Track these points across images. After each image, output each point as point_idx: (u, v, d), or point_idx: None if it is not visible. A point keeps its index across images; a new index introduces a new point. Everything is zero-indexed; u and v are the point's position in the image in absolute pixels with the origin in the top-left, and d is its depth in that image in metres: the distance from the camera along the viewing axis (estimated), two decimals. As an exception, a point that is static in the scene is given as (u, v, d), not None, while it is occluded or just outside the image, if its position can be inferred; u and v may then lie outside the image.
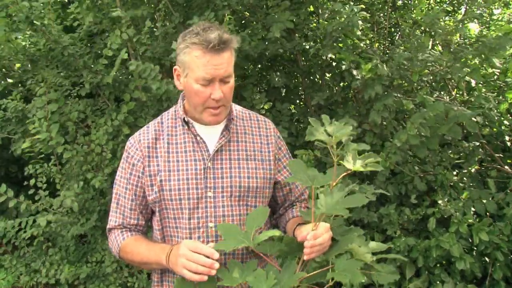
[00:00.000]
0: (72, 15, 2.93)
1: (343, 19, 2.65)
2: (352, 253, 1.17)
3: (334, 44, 2.81)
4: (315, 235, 1.18)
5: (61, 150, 2.85)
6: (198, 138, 1.40)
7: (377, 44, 3.54)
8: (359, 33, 2.84)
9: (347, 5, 2.75)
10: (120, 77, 3.10)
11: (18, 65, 3.19)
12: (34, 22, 2.70)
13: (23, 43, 2.98)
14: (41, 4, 2.75)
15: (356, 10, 2.64)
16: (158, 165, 1.38)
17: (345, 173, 1.21)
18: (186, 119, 1.41)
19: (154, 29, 3.06)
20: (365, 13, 2.83)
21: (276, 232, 1.23)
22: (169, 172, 1.37)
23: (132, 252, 1.40)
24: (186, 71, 1.34)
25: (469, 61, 2.72)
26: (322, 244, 1.19)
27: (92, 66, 2.99)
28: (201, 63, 1.28)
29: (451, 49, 2.61)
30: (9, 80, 3.50)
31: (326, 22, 3.11)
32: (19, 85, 3.50)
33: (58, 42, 2.83)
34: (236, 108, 1.50)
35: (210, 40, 1.26)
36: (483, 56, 2.46)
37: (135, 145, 1.42)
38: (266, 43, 2.94)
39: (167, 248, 1.31)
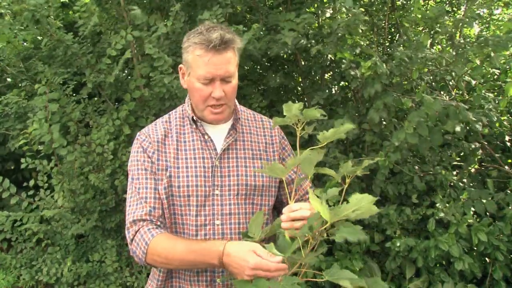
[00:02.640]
0: (76, 13, 2.93)
1: (347, 18, 2.65)
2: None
3: (338, 42, 2.81)
4: (290, 208, 1.19)
5: (65, 152, 2.85)
6: (206, 137, 1.42)
7: (375, 46, 3.54)
8: (360, 30, 2.85)
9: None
10: (122, 77, 3.10)
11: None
12: (39, 20, 2.70)
13: (24, 43, 2.99)
14: (45, 2, 2.75)
15: (358, 9, 2.64)
16: (166, 161, 1.39)
17: (316, 147, 1.19)
18: (194, 118, 1.43)
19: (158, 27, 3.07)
20: (364, 16, 2.83)
21: (261, 213, 1.26)
22: (177, 169, 1.38)
23: (167, 249, 1.28)
24: (189, 69, 1.37)
25: (470, 57, 2.71)
26: (300, 219, 1.18)
27: (95, 65, 2.99)
28: (202, 62, 1.31)
29: (454, 44, 2.59)
30: (8, 80, 3.51)
31: (329, 21, 3.12)
32: (15, 86, 3.51)
33: (61, 41, 2.83)
34: (241, 109, 1.53)
35: (211, 40, 1.29)
36: (485, 51, 2.45)
37: (147, 139, 1.43)
38: (269, 43, 2.93)
39: (217, 250, 1.21)
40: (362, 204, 1.02)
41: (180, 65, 1.43)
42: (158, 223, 1.36)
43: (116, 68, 2.78)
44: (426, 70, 2.92)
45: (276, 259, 1.13)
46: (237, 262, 1.16)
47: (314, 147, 1.16)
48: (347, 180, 1.20)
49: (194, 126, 1.43)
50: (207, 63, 1.30)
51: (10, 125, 3.48)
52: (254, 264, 1.12)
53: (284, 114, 1.17)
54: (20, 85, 3.40)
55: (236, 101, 1.48)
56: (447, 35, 2.63)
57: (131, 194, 1.40)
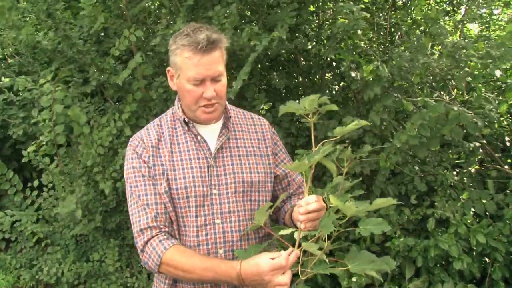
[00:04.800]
0: (81, 11, 2.92)
1: (347, 21, 2.65)
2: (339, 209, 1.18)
3: (337, 45, 2.81)
4: (307, 201, 1.21)
5: (83, 143, 2.82)
6: (199, 137, 1.43)
7: (375, 45, 3.54)
8: (360, 32, 2.85)
9: (350, 3, 2.74)
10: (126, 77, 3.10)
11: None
12: (52, 13, 2.69)
13: (32, 34, 2.97)
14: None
15: (358, 9, 2.64)
16: (162, 165, 1.39)
17: (330, 140, 1.22)
18: (186, 119, 1.44)
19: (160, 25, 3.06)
20: (365, 13, 2.83)
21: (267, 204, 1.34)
22: (174, 171, 1.38)
23: (184, 265, 1.29)
24: (178, 72, 1.38)
25: (471, 64, 2.72)
26: (316, 211, 1.22)
27: (100, 63, 2.98)
28: (192, 63, 1.33)
29: (456, 57, 2.59)
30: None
31: (328, 23, 3.11)
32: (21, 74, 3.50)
33: (68, 37, 2.83)
34: (231, 107, 1.54)
35: (199, 41, 1.31)
36: (485, 63, 2.47)
37: (141, 144, 1.43)
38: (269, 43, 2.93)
39: (233, 269, 1.24)
40: (384, 206, 1.11)
41: (168, 68, 1.44)
42: (166, 229, 1.36)
43: (125, 72, 2.76)
44: (427, 73, 2.92)
45: (284, 254, 1.19)
46: (254, 275, 1.21)
47: (329, 140, 1.20)
48: (346, 164, 1.30)
49: (186, 128, 1.44)
50: (197, 64, 1.32)
51: (13, 113, 3.46)
52: (269, 268, 1.19)
53: (282, 108, 1.20)
54: (28, 69, 3.38)
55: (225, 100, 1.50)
56: (449, 51, 2.63)
57: (131, 202, 1.40)
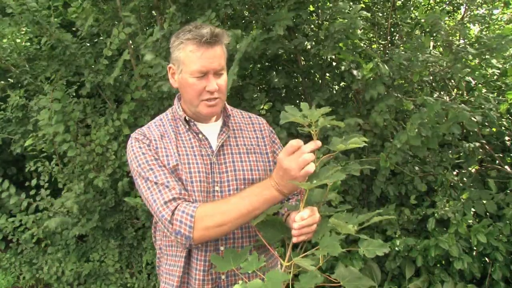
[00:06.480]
0: (73, 14, 2.93)
1: (345, 20, 2.65)
2: (337, 228, 1.18)
3: (336, 45, 2.81)
4: (302, 217, 1.20)
5: (67, 147, 2.81)
6: (200, 135, 1.44)
7: (375, 46, 3.54)
8: (359, 32, 2.84)
9: (349, 4, 2.74)
10: (120, 77, 3.10)
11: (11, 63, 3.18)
12: (39, 21, 2.69)
13: (24, 43, 2.98)
14: (42, 3, 2.75)
15: (357, 9, 2.64)
16: (167, 156, 1.39)
17: (331, 155, 1.23)
18: (187, 118, 1.44)
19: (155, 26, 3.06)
20: (365, 12, 2.83)
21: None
22: (180, 165, 1.38)
23: (219, 207, 1.27)
24: (180, 67, 1.39)
25: (469, 62, 2.73)
26: (309, 225, 1.21)
27: (93, 65, 2.99)
28: (196, 57, 1.34)
29: (453, 50, 2.60)
30: (10, 80, 3.50)
31: (327, 23, 3.11)
32: (19, 85, 3.52)
33: (60, 41, 2.83)
34: (230, 107, 1.55)
35: (203, 35, 1.33)
36: (483, 57, 2.47)
37: (145, 137, 1.42)
38: (267, 43, 2.93)
39: (266, 182, 1.24)
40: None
41: (169, 65, 1.45)
42: (191, 201, 1.33)
43: (116, 71, 2.77)
44: (427, 73, 2.92)
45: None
46: (279, 171, 1.19)
47: (331, 154, 1.21)
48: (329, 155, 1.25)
49: (187, 127, 1.45)
50: (201, 57, 1.34)
51: (12, 129, 3.51)
52: (284, 153, 1.17)
53: (285, 116, 1.19)
54: (24, 83, 3.40)
55: None
56: (445, 40, 2.63)
57: (149, 185, 1.34)
